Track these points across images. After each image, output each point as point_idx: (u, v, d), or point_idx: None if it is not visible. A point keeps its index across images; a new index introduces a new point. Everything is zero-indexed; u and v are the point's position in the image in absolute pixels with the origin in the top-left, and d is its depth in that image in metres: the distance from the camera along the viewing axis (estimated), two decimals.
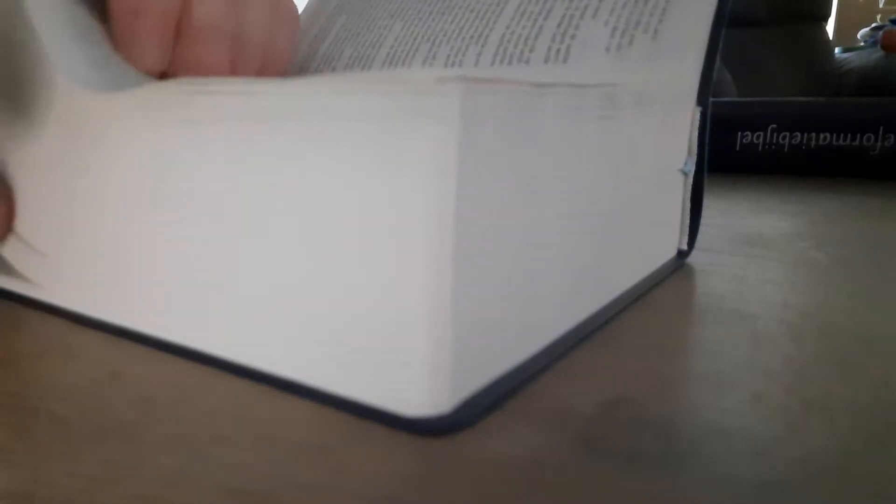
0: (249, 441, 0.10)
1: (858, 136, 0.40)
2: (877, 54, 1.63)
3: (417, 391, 0.10)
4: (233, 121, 0.11)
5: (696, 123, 0.19)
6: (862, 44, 1.94)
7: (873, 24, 1.96)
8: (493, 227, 0.10)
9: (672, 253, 0.19)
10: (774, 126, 0.42)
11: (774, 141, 0.42)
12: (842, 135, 0.40)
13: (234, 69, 0.19)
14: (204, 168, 0.12)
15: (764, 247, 0.22)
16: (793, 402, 0.11)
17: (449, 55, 0.21)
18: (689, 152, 0.19)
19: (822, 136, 0.41)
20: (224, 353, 0.12)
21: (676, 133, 0.18)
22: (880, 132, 0.39)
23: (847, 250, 0.22)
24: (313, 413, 0.10)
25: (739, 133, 0.43)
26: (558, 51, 0.19)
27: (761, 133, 0.42)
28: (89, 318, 0.14)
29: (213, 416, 0.10)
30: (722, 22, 0.18)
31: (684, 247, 0.20)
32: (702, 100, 0.19)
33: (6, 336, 0.14)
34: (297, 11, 0.22)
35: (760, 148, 0.42)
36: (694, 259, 0.20)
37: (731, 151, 0.43)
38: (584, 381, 0.12)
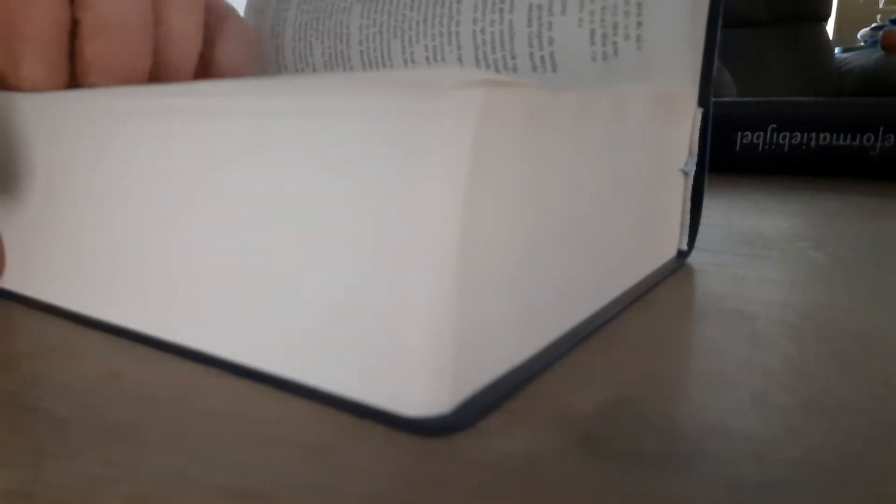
0: (249, 441, 0.10)
1: (858, 136, 0.40)
2: (877, 54, 1.63)
3: (418, 391, 0.10)
4: (239, 118, 0.11)
5: (698, 124, 0.19)
6: (862, 44, 1.94)
7: (873, 24, 1.96)
8: (498, 229, 0.10)
9: (672, 253, 0.19)
10: (774, 126, 0.42)
11: (774, 141, 0.42)
12: (842, 135, 0.40)
13: (159, 73, 0.17)
14: (205, 166, 0.12)
15: (764, 247, 0.22)
16: (793, 402, 0.11)
17: (427, 56, 0.21)
18: (690, 152, 0.19)
19: (822, 136, 0.41)
20: (224, 352, 0.12)
21: (677, 133, 0.18)
22: (880, 132, 0.39)
23: (847, 250, 0.22)
24: (313, 413, 0.10)
25: (739, 133, 0.43)
26: (542, 58, 0.19)
27: (761, 133, 0.42)
28: (89, 318, 0.14)
29: (213, 416, 0.10)
30: (716, 22, 0.18)
31: (684, 247, 0.20)
32: (703, 101, 0.19)
33: (6, 336, 0.14)
34: (232, 11, 0.20)
35: (760, 148, 0.42)
36: (694, 259, 0.20)
37: (731, 151, 0.43)
38: (584, 381, 0.12)
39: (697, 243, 0.20)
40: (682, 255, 0.20)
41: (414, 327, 0.10)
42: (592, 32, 0.18)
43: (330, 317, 0.10)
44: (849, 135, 0.40)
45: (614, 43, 0.18)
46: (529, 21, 0.19)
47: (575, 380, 0.12)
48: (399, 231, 0.09)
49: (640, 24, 0.17)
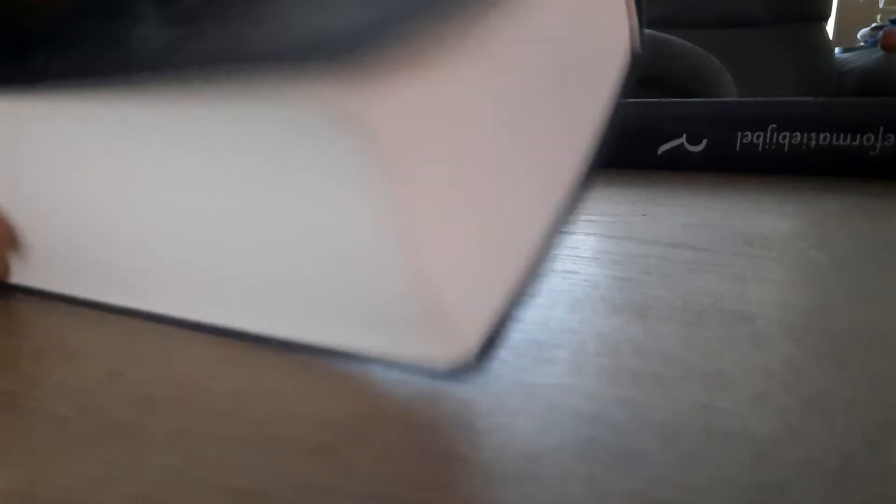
0: (250, 441, 0.10)
1: (858, 136, 0.40)
2: (877, 54, 1.63)
3: (439, 343, 0.10)
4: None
5: None
6: (862, 44, 1.94)
7: (873, 24, 1.96)
8: (446, 181, 0.10)
9: (625, 59, 0.17)
10: (774, 126, 0.42)
11: (774, 141, 0.42)
12: (842, 135, 0.40)
13: None
14: (194, 149, 0.12)
15: (764, 247, 0.22)
16: (793, 402, 0.11)
17: None
18: None
19: (822, 136, 0.41)
20: (231, 322, 0.12)
21: None
22: (880, 132, 0.39)
23: (847, 250, 0.22)
24: (314, 412, 0.10)
25: (739, 133, 0.43)
26: None
27: (761, 133, 0.42)
28: (92, 301, 0.14)
29: (214, 416, 0.10)
30: None
31: (638, 50, 0.18)
32: None
33: (6, 336, 0.14)
34: None
35: (760, 148, 0.42)
36: (694, 259, 0.20)
37: (731, 151, 0.43)
38: (583, 380, 0.12)
39: (696, 243, 0.20)
40: (636, 58, 0.18)
41: (409, 286, 0.10)
42: None
43: (332, 287, 0.11)
44: (849, 135, 0.40)
45: None
46: None
47: (574, 380, 0.12)
48: (350, 222, 0.10)
49: None
